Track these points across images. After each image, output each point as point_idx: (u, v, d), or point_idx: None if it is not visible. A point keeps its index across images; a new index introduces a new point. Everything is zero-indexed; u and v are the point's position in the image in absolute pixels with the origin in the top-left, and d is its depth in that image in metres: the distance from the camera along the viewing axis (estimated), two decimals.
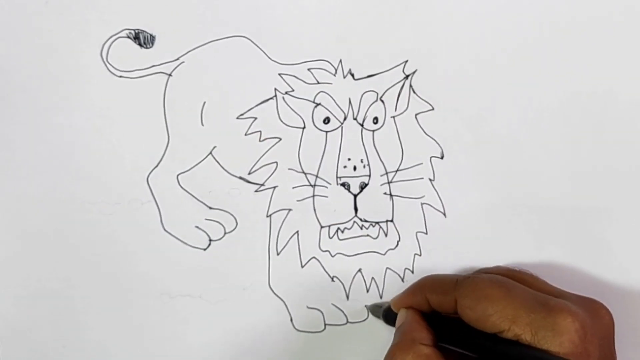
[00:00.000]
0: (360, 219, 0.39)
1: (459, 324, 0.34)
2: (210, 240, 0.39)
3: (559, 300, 0.33)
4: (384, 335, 0.40)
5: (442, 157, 0.39)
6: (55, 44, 0.36)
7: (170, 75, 0.37)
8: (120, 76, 0.37)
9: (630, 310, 0.40)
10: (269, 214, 0.39)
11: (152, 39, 0.37)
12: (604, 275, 0.40)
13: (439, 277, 0.37)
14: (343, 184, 0.39)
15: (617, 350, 0.36)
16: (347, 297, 0.40)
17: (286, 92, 0.38)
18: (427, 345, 0.33)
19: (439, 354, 0.33)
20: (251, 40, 0.37)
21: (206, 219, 0.39)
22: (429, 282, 0.36)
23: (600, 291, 0.38)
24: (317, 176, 0.39)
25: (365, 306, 0.40)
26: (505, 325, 0.31)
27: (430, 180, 0.39)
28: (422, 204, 0.39)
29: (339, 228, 0.39)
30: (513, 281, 0.34)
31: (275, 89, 0.38)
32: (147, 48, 0.37)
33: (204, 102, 0.38)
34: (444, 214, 0.40)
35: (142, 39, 0.37)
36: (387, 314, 0.38)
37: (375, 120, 0.39)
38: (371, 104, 0.38)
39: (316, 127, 0.38)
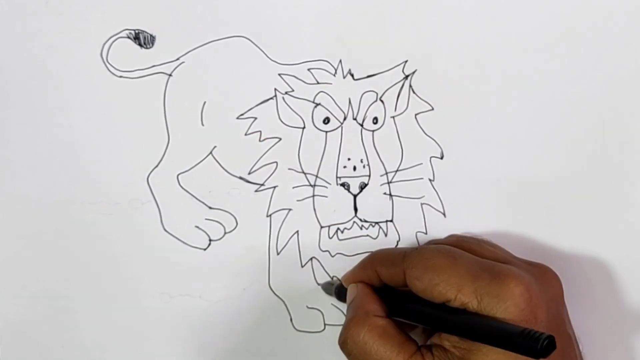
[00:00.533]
0: (360, 219, 0.39)
1: (409, 296, 0.34)
2: (210, 240, 0.39)
3: (504, 266, 0.33)
4: None
5: (441, 157, 0.39)
6: (55, 44, 0.36)
7: (170, 75, 0.37)
8: (121, 76, 0.37)
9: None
10: (269, 213, 0.39)
11: (152, 39, 0.37)
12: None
13: (388, 250, 0.37)
14: (343, 184, 0.39)
15: (570, 316, 0.36)
16: None
17: (286, 92, 0.38)
18: (381, 317, 0.33)
19: (394, 324, 0.33)
20: (251, 41, 0.37)
21: (206, 219, 0.39)
22: (378, 256, 0.36)
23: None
24: (317, 176, 0.39)
25: (318, 284, 0.40)
26: (451, 294, 0.31)
27: (430, 180, 0.39)
28: (421, 204, 0.39)
29: (338, 228, 0.39)
30: (460, 250, 0.34)
31: (275, 89, 0.38)
32: (147, 48, 0.37)
33: (204, 102, 0.38)
34: (444, 214, 0.40)
35: (142, 39, 0.37)
36: (339, 290, 0.38)
37: (375, 120, 0.39)
38: (371, 104, 0.38)
39: (316, 127, 0.38)
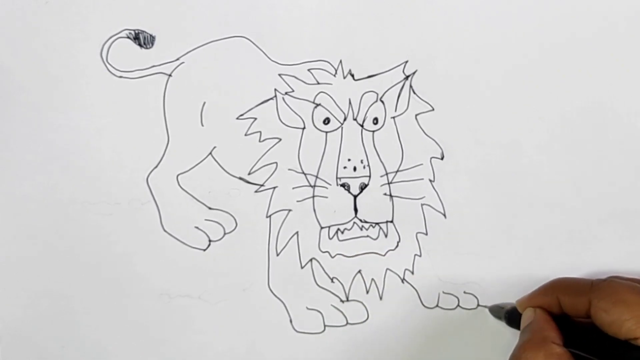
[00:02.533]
0: (360, 220, 0.39)
1: (590, 329, 0.33)
2: (209, 240, 0.39)
3: None
4: (383, 336, 0.40)
5: (442, 158, 0.39)
6: (55, 44, 0.36)
7: (170, 75, 0.37)
8: (120, 76, 0.37)
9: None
10: (269, 214, 0.39)
11: (152, 39, 0.37)
12: None
13: (573, 279, 0.36)
14: (343, 185, 0.39)
15: None
16: (347, 298, 0.40)
17: (286, 93, 0.38)
18: (558, 344, 0.32)
19: (570, 355, 0.32)
20: (251, 41, 0.37)
21: (206, 220, 0.39)
22: (561, 283, 0.36)
23: None
24: (317, 177, 0.39)
25: (485, 306, 0.39)
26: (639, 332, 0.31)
27: (430, 181, 0.39)
28: (422, 204, 0.39)
29: (338, 229, 0.39)
30: None
31: (275, 90, 0.38)
32: (147, 48, 0.37)
33: (204, 103, 0.38)
34: (444, 215, 0.39)
35: (142, 39, 0.37)
36: (510, 314, 0.37)
37: (375, 120, 0.38)
38: (371, 105, 0.38)
39: (316, 127, 0.38)
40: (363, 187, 0.39)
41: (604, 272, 0.40)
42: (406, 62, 0.38)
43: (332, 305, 0.40)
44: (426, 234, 0.40)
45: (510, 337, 0.40)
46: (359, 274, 0.40)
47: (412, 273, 0.40)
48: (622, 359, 0.31)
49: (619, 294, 0.32)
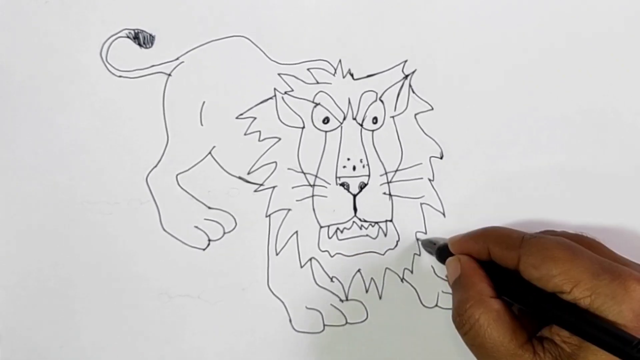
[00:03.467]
0: (360, 219, 0.39)
1: (517, 278, 0.33)
2: (209, 240, 0.39)
3: (624, 268, 0.31)
4: (383, 336, 0.40)
5: (441, 157, 0.39)
6: (55, 44, 0.37)
7: (169, 75, 0.37)
8: (120, 76, 0.37)
9: None
10: (268, 213, 0.39)
11: (152, 38, 0.37)
12: None
13: (505, 230, 0.36)
14: (342, 184, 0.39)
15: None
16: (347, 297, 0.40)
17: (285, 92, 0.38)
18: (495, 298, 0.33)
19: (507, 309, 0.33)
20: (251, 40, 0.37)
21: (205, 219, 0.39)
22: (494, 233, 0.36)
23: None
24: (316, 176, 0.39)
25: (418, 239, 0.39)
26: (567, 287, 0.31)
27: (429, 180, 0.39)
28: (421, 204, 0.39)
29: (338, 228, 0.39)
30: (580, 246, 0.33)
31: (275, 89, 0.38)
32: (146, 48, 0.37)
33: (204, 102, 0.38)
34: (444, 214, 0.39)
35: (141, 38, 0.37)
36: (441, 251, 0.37)
37: (375, 120, 0.38)
38: (370, 104, 0.38)
39: (315, 127, 0.38)
40: (362, 187, 0.39)
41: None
42: (405, 61, 0.38)
43: (331, 304, 0.40)
44: (425, 233, 0.40)
45: None
46: (358, 273, 0.40)
47: (412, 272, 0.40)
48: (547, 310, 0.32)
49: (549, 249, 0.32)
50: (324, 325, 0.40)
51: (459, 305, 0.34)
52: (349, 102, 0.38)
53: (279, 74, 0.38)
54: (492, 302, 0.33)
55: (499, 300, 0.33)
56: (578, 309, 0.31)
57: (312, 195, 0.39)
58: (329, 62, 0.38)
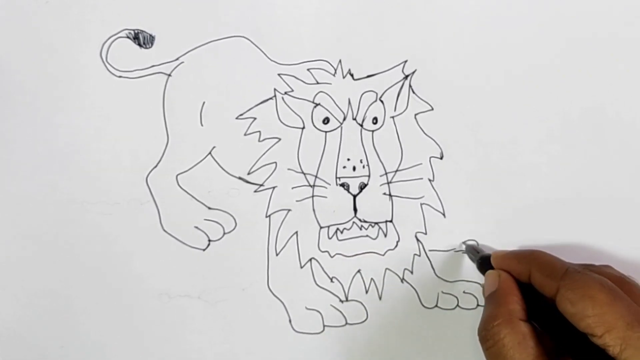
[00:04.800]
0: (360, 220, 0.39)
1: (552, 309, 0.33)
2: (209, 240, 0.39)
3: None
4: (382, 336, 0.40)
5: (441, 158, 0.39)
6: (55, 44, 0.37)
7: (169, 75, 0.37)
8: (120, 76, 0.37)
9: None
10: (268, 214, 0.39)
11: (152, 39, 0.37)
12: None
13: (550, 257, 0.36)
14: (342, 184, 0.39)
15: None
16: (346, 298, 0.40)
17: (285, 92, 0.38)
18: (524, 321, 0.33)
19: (534, 333, 0.33)
20: (251, 41, 0.37)
21: (205, 219, 0.39)
22: (539, 258, 0.35)
23: None
24: (316, 176, 0.39)
25: (464, 243, 0.39)
26: (598, 331, 0.30)
27: (429, 180, 0.39)
28: (421, 204, 0.39)
29: (338, 228, 0.39)
30: (621, 291, 0.33)
31: (275, 89, 0.38)
32: (146, 48, 0.37)
33: (204, 102, 0.38)
34: (444, 214, 0.39)
35: (141, 39, 0.37)
36: (482, 261, 0.37)
37: (375, 120, 0.38)
38: (370, 104, 0.38)
39: (315, 127, 0.38)
40: (362, 187, 0.39)
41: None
42: (405, 61, 0.38)
43: (331, 305, 0.40)
44: (425, 234, 0.40)
45: None
46: (358, 274, 0.40)
47: (412, 273, 0.40)
48: (574, 348, 0.32)
49: (588, 288, 0.32)
50: (324, 325, 0.40)
51: (488, 319, 0.33)
52: (349, 102, 0.38)
53: (279, 74, 0.38)
54: (520, 325, 0.33)
55: (528, 324, 0.33)
56: (606, 356, 0.30)
57: (312, 196, 0.39)
58: (329, 62, 0.38)
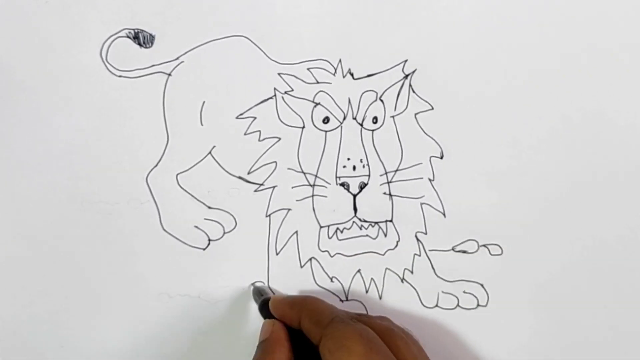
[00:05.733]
0: (360, 219, 0.39)
1: (317, 356, 0.33)
2: (209, 240, 0.39)
3: None
4: None
5: (441, 157, 0.39)
6: (55, 43, 0.37)
7: (169, 74, 0.37)
8: (120, 76, 0.37)
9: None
10: (268, 213, 0.39)
11: (152, 38, 0.37)
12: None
13: (320, 305, 0.36)
14: (342, 184, 0.39)
15: None
16: (347, 297, 0.40)
17: (285, 92, 0.38)
18: None
19: None
20: (251, 40, 0.37)
21: (205, 219, 0.39)
22: (309, 305, 0.36)
23: None
24: (316, 176, 0.39)
25: (251, 284, 0.39)
26: None
27: (429, 180, 0.39)
28: (421, 204, 0.39)
29: (338, 228, 0.39)
30: (381, 342, 0.33)
31: (275, 89, 0.38)
32: (146, 47, 0.37)
33: (204, 102, 0.38)
34: (444, 214, 0.39)
35: (141, 38, 0.37)
36: (263, 306, 0.37)
37: (375, 119, 0.38)
38: (370, 104, 0.38)
39: (315, 126, 0.38)
40: (362, 187, 0.39)
41: (603, 269, 0.40)
42: (405, 61, 0.38)
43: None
44: (425, 233, 0.40)
45: (510, 337, 0.40)
46: (358, 274, 0.40)
47: (412, 272, 0.40)
48: None
49: (346, 339, 0.32)
50: None
51: None
52: (349, 101, 0.38)
53: (279, 74, 0.38)
54: None
55: None
56: None
57: (312, 195, 0.39)
58: (329, 62, 0.38)
